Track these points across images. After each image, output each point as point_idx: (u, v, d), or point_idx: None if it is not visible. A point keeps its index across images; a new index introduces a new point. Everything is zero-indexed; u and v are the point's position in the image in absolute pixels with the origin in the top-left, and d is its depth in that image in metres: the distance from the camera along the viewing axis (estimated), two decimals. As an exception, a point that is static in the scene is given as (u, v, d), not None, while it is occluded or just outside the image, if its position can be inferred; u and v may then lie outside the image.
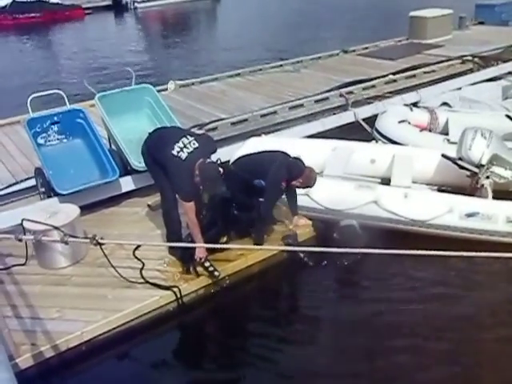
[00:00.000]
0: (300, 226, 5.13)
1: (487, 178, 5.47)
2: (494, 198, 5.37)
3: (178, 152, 4.38)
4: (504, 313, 4.38)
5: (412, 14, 11.95)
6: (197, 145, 4.44)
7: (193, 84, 9.23)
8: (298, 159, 4.83)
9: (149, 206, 5.61)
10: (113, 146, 6.05)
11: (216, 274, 4.55)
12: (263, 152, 5.08)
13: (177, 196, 4.50)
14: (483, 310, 4.39)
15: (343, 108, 8.05)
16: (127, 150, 5.69)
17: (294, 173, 4.73)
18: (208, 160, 4.39)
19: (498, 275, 4.79)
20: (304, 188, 4.96)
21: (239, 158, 5.17)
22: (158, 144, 4.60)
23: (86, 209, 5.22)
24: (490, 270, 4.75)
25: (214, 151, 4.72)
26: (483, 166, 5.40)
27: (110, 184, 5.55)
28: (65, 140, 5.80)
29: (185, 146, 4.41)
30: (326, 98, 8.20)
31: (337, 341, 4.10)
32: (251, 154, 5.14)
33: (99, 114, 5.99)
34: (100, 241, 4.24)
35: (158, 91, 6.76)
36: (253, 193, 4.80)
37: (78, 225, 4.74)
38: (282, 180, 4.70)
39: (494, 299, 4.52)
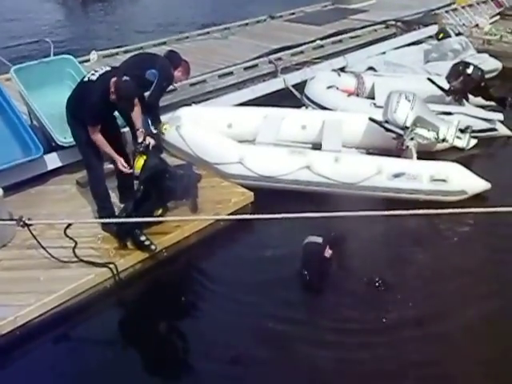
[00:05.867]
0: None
1: (411, 139, 5.70)
2: (419, 158, 5.62)
3: (89, 78, 4.49)
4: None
5: (336, -22, 12.00)
6: (109, 68, 4.58)
7: (117, 54, 8.86)
8: (171, 51, 5.51)
9: (77, 182, 5.43)
10: (34, 122, 5.76)
11: (152, 247, 4.50)
12: (133, 57, 5.60)
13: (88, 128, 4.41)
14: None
15: (273, 75, 8.03)
16: (50, 125, 5.45)
17: (175, 61, 5.29)
18: (124, 78, 4.39)
19: (422, 231, 5.04)
20: (182, 81, 5.69)
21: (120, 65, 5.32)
22: (72, 93, 4.64)
23: (10, 189, 4.97)
24: (415, 227, 5.01)
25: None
26: (408, 128, 5.61)
27: (34, 162, 5.30)
28: (-20, 118, 5.45)
29: (96, 72, 4.51)
30: (255, 65, 8.13)
31: (277, 309, 4.16)
32: (126, 61, 5.48)
33: (16, 89, 5.67)
34: (27, 222, 4.08)
35: (80, 62, 6.48)
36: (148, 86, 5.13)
37: (1, 206, 4.53)
38: (170, 66, 5.19)
39: (421, 255, 4.80)
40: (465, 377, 3.60)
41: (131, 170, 4.54)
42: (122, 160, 4.55)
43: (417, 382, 3.58)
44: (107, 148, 4.50)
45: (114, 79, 4.36)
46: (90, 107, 4.36)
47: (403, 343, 3.84)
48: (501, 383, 3.58)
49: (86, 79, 4.55)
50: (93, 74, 4.49)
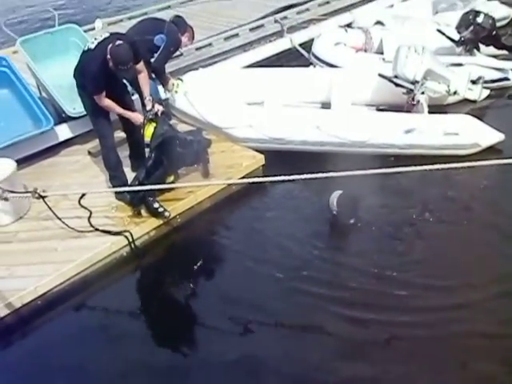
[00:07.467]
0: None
1: (422, 93, 5.61)
2: (430, 112, 5.53)
3: (88, 46, 4.43)
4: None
5: None
6: (108, 35, 4.45)
7: (121, 21, 8.72)
8: (177, 16, 5.36)
9: (89, 152, 5.45)
10: (43, 94, 5.75)
11: (166, 214, 4.54)
12: (140, 22, 5.41)
13: (95, 98, 4.40)
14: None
15: (279, 35, 7.89)
16: (59, 96, 5.44)
17: (182, 26, 5.20)
18: (117, 42, 4.25)
19: (437, 185, 5.00)
20: (187, 46, 5.65)
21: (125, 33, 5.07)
22: (77, 63, 4.55)
23: (22, 162, 5.02)
24: (428, 183, 4.97)
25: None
26: (418, 82, 5.51)
27: (45, 134, 5.31)
28: (-11, 92, 5.46)
29: (95, 40, 4.43)
30: (261, 26, 7.99)
31: (297, 268, 4.20)
32: (133, 27, 5.33)
33: (24, 61, 5.64)
34: (42, 193, 4.12)
35: (85, 31, 6.41)
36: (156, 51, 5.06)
37: (16, 179, 4.55)
38: (177, 32, 5.14)
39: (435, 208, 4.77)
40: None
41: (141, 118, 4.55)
42: (135, 114, 4.58)
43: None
44: (117, 109, 4.50)
45: (110, 46, 4.26)
46: (91, 77, 4.32)
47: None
48: None
49: (86, 48, 4.49)
50: (92, 43, 4.43)
